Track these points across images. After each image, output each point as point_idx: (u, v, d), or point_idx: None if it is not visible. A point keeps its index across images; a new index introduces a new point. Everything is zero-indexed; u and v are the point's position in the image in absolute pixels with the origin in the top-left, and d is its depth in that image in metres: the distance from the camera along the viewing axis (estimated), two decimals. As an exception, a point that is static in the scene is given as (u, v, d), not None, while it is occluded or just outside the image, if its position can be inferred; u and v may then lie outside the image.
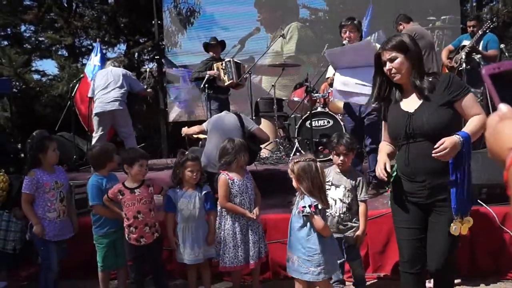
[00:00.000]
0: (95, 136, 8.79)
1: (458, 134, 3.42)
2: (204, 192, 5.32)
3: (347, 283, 5.33)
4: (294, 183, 4.44)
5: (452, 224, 3.57)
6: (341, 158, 5.07)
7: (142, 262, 5.24)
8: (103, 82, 8.89)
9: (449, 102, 3.59)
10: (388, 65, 3.70)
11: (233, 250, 5.21)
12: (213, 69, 9.48)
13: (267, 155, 9.17)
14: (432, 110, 3.62)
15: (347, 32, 6.83)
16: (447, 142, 3.39)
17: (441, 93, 3.62)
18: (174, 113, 15.13)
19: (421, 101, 3.70)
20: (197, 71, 9.62)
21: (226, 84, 9.48)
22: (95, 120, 8.91)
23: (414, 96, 3.75)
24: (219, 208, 5.36)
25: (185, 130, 7.22)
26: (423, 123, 3.64)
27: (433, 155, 3.43)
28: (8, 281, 6.24)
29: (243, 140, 5.66)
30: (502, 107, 1.49)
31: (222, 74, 9.44)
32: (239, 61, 9.88)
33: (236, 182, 5.33)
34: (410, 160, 3.73)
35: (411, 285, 3.90)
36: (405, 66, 3.68)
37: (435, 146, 3.42)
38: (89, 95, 9.26)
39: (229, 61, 9.64)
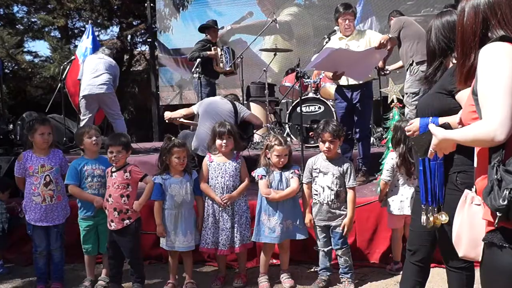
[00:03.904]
0: (83, 119, 8.76)
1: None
2: (194, 178, 5.35)
3: (334, 270, 5.31)
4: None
5: (422, 215, 3.46)
6: (327, 145, 5.05)
7: (116, 247, 5.25)
8: (94, 65, 8.84)
9: (448, 90, 3.34)
10: None
11: (203, 232, 5.35)
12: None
13: (257, 140, 9.14)
14: (430, 93, 3.53)
15: (347, 20, 6.76)
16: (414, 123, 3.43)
17: (444, 78, 3.42)
18: (166, 96, 15.06)
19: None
20: (197, 51, 9.48)
21: (224, 70, 9.52)
22: (82, 103, 8.85)
23: None
24: None
25: (168, 115, 7.13)
26: (419, 104, 3.67)
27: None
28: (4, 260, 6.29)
29: (234, 126, 5.65)
30: None
31: (219, 59, 9.43)
32: (233, 49, 9.93)
33: (214, 164, 5.41)
34: None
35: (410, 275, 3.82)
36: None
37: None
38: (79, 77, 9.22)
39: (228, 47, 9.67)
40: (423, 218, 3.43)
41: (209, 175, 5.42)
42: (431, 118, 3.30)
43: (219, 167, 5.39)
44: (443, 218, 3.33)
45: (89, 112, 8.77)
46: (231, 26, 14.14)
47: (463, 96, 3.18)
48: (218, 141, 5.39)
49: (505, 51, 2.22)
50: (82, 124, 8.51)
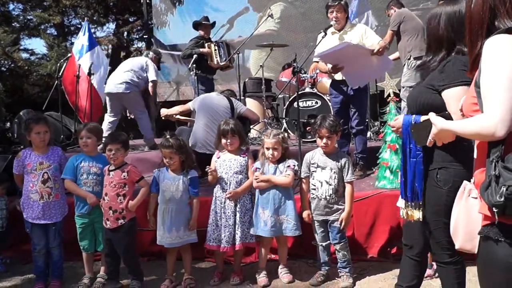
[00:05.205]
0: (106, 119, 8.88)
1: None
2: (189, 177, 5.29)
3: (332, 265, 5.32)
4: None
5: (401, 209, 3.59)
6: (324, 140, 5.06)
7: (112, 245, 5.27)
8: (124, 64, 9.02)
9: (435, 87, 3.30)
10: None
11: (208, 229, 5.37)
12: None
13: (255, 136, 9.14)
14: (418, 86, 3.58)
15: (334, 12, 6.75)
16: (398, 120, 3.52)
17: (435, 73, 3.36)
18: (163, 92, 15.03)
19: None
20: (190, 48, 9.55)
21: (219, 65, 9.52)
22: (107, 99, 9.02)
23: None
24: None
25: (165, 112, 7.14)
26: (408, 97, 3.71)
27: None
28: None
29: (238, 124, 5.59)
30: None
31: (213, 55, 9.44)
32: (228, 43, 9.95)
33: (220, 161, 5.45)
34: None
35: (408, 269, 3.84)
36: None
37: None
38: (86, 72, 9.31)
39: (222, 42, 9.69)
40: (402, 211, 3.56)
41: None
42: (414, 116, 3.34)
43: (224, 163, 5.41)
44: (416, 215, 3.48)
45: (111, 111, 8.85)
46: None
47: (448, 94, 3.21)
48: (223, 140, 5.40)
49: (510, 44, 2.16)
50: (104, 124, 8.52)
